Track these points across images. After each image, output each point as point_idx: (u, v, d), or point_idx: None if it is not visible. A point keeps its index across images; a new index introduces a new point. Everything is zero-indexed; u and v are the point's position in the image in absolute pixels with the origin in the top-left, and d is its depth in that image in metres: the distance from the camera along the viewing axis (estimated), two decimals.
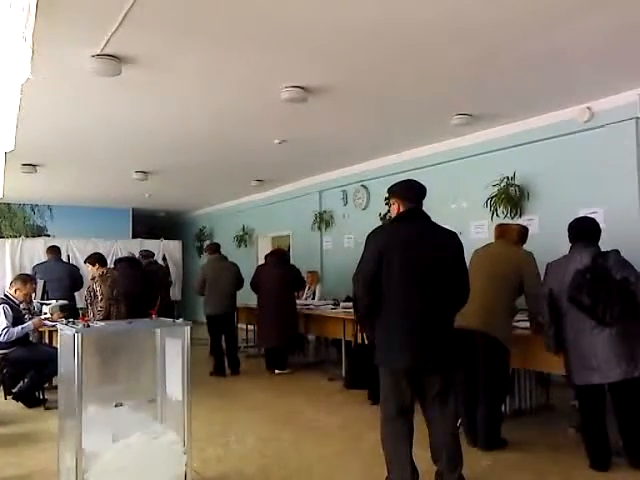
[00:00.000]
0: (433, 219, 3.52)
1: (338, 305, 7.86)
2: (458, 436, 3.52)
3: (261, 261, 9.41)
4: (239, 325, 8.85)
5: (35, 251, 10.53)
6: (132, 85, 5.08)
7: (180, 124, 6.50)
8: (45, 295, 7.81)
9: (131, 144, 7.43)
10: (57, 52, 4.26)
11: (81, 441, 3.22)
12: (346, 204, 9.65)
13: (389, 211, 8.33)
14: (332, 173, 9.75)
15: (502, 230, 4.82)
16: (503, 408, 4.72)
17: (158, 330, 3.90)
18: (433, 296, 3.31)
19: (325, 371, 7.69)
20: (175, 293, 11.43)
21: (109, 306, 5.79)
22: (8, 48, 2.11)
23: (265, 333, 7.71)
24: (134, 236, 13.45)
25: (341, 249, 9.70)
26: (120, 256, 9.46)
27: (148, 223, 15.06)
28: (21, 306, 6.35)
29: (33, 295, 7.05)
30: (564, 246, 4.21)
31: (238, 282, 7.92)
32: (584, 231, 4.15)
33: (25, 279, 6.54)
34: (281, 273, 7.73)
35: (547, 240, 5.51)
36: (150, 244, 11.50)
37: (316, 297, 9.07)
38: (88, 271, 6.36)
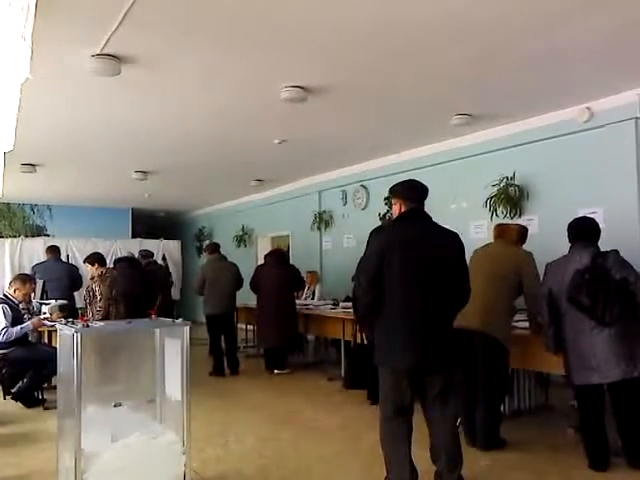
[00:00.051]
0: (433, 219, 3.52)
1: (337, 305, 7.86)
2: (458, 436, 3.51)
3: (261, 261, 9.41)
4: (238, 325, 8.85)
5: (34, 251, 10.52)
6: (132, 85, 5.08)
7: (180, 124, 6.49)
8: (44, 295, 7.81)
9: (131, 144, 7.43)
10: (57, 52, 4.26)
11: (80, 441, 3.22)
12: (346, 204, 9.65)
13: (389, 211, 8.44)
14: (332, 173, 9.75)
15: (501, 230, 4.81)
16: (502, 408, 4.73)
17: (157, 330, 3.90)
18: (434, 296, 3.31)
19: (324, 371, 7.69)
20: (174, 293, 11.42)
21: (108, 306, 5.78)
22: (7, 48, 2.10)
23: (264, 333, 7.71)
24: (134, 236, 13.44)
25: (340, 249, 9.70)
26: (119, 256, 9.46)
27: (148, 223, 15.06)
28: (20, 306, 6.35)
29: (32, 295, 7.04)
30: (563, 246, 4.21)
31: (237, 282, 7.91)
32: (584, 231, 4.15)
33: (24, 279, 6.53)
34: (280, 273, 7.73)
35: (546, 240, 5.51)
36: (149, 244, 11.49)
37: (315, 297, 9.07)
38: (87, 271, 6.35)
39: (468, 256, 3.70)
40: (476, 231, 7.05)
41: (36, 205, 13.09)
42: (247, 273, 8.06)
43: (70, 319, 4.04)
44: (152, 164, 8.86)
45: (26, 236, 11.78)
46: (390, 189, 3.62)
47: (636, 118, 5.51)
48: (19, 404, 5.96)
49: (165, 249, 12.30)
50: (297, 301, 8.14)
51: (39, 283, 7.70)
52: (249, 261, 11.37)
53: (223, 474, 4.07)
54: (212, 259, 8.11)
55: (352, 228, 9.40)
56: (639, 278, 3.85)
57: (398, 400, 3.35)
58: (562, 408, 5.30)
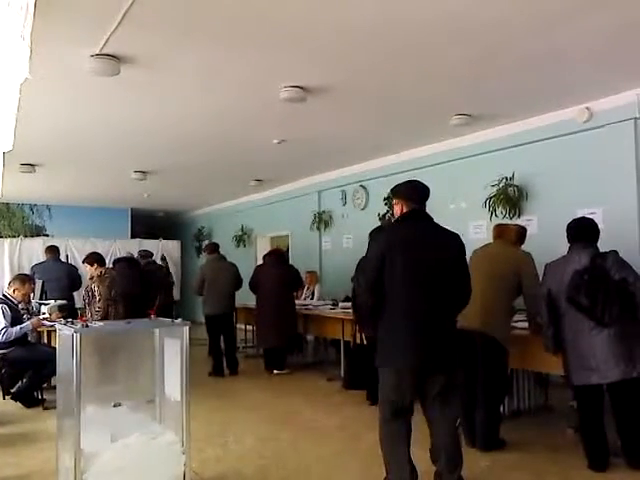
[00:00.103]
0: (433, 220, 3.52)
1: (337, 305, 7.86)
2: (458, 437, 3.52)
3: (260, 261, 9.40)
4: (238, 325, 8.85)
5: (34, 251, 10.53)
6: (131, 85, 5.08)
7: (179, 124, 6.49)
8: (44, 295, 7.79)
9: (130, 144, 7.42)
10: (56, 52, 4.26)
11: (80, 441, 3.22)
12: (345, 204, 9.65)
13: (388, 211, 8.44)
14: (331, 173, 9.75)
15: (500, 230, 4.82)
16: (502, 408, 4.73)
17: (157, 330, 3.90)
18: (436, 297, 3.31)
19: (324, 371, 7.69)
20: (174, 293, 11.42)
21: (107, 306, 5.77)
22: (6, 48, 2.10)
23: (264, 333, 7.70)
24: (133, 236, 13.45)
25: (340, 249, 9.70)
26: (119, 256, 9.46)
27: (147, 223, 15.06)
28: (20, 306, 6.34)
29: (32, 295, 7.05)
30: (563, 246, 4.21)
31: (237, 282, 7.91)
32: (583, 231, 4.15)
33: (24, 279, 6.53)
34: (280, 273, 7.72)
35: (546, 240, 5.51)
36: (149, 244, 11.49)
37: (315, 297, 9.07)
38: (86, 271, 6.35)
39: (468, 256, 3.70)
40: (475, 231, 7.05)
41: (35, 205, 13.08)
42: (246, 273, 8.06)
43: (69, 319, 4.03)
44: (151, 164, 8.85)
45: (25, 236, 11.78)
46: (392, 189, 3.63)
47: (635, 118, 5.51)
48: (19, 404, 5.96)
49: (164, 249, 12.30)
50: (296, 301, 8.14)
51: (38, 283, 7.69)
52: (248, 261, 11.37)
53: (222, 474, 4.07)
54: (211, 259, 8.11)
55: (351, 228, 9.40)
56: (638, 278, 3.85)
57: (399, 400, 3.35)
58: (561, 408, 5.30)
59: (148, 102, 5.69)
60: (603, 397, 4.02)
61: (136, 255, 9.13)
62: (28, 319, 6.27)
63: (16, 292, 6.30)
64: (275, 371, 7.64)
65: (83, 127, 6.54)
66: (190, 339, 3.64)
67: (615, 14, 3.83)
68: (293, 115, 6.11)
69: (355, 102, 5.80)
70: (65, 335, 3.45)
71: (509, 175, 6.66)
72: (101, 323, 4.19)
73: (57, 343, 3.79)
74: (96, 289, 5.85)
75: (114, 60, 4.40)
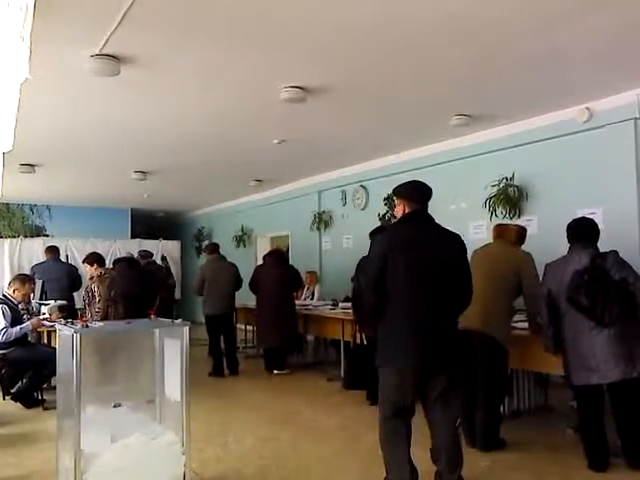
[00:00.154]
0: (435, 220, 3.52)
1: (337, 305, 7.86)
2: (459, 437, 3.52)
3: (260, 261, 9.40)
4: (238, 325, 8.84)
5: (34, 251, 10.52)
6: (131, 85, 5.07)
7: (179, 124, 6.49)
8: (44, 295, 7.79)
9: (130, 144, 7.42)
10: (56, 52, 4.25)
11: (80, 441, 3.21)
12: (345, 204, 9.65)
13: (388, 211, 8.44)
14: (331, 173, 9.75)
15: (500, 230, 4.82)
16: (502, 409, 4.73)
17: (157, 330, 3.90)
18: (437, 297, 3.32)
19: (324, 371, 7.68)
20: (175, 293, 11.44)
21: (107, 307, 5.77)
22: (6, 48, 2.10)
23: (264, 333, 7.70)
24: (133, 236, 13.45)
25: (340, 249, 9.70)
26: (119, 256, 9.45)
27: (147, 223, 15.06)
28: (20, 306, 6.34)
29: (32, 295, 7.04)
30: (563, 247, 4.21)
31: (237, 282, 7.90)
32: (583, 232, 4.15)
33: (24, 279, 6.53)
34: (280, 273, 7.72)
35: (546, 241, 5.51)
36: (149, 244, 11.48)
37: (315, 297, 9.06)
38: (86, 271, 6.35)
39: (468, 257, 3.70)
40: (475, 231, 7.04)
41: (35, 205, 13.08)
42: (246, 273, 8.06)
43: (69, 319, 4.03)
44: (151, 164, 8.85)
45: (25, 236, 11.78)
46: (394, 189, 3.63)
47: (635, 118, 5.51)
48: (19, 404, 5.95)
49: (164, 249, 12.29)
50: (296, 301, 8.14)
51: (38, 283, 7.68)
52: (248, 261, 11.37)
53: (222, 474, 4.06)
54: (211, 259, 8.11)
55: (351, 228, 9.40)
56: (638, 279, 3.85)
57: (400, 400, 3.35)
58: (562, 409, 5.30)
59: (148, 102, 5.69)
60: (603, 397, 4.01)
61: (136, 255, 9.13)
62: (28, 319, 6.27)
63: (16, 292, 6.30)
64: (275, 371, 7.64)
65: (83, 127, 6.54)
66: (190, 339, 3.63)
67: (615, 14, 3.83)
68: (293, 115, 6.11)
69: (355, 102, 5.80)
70: (65, 335, 3.45)
71: (509, 175, 6.66)
72: (101, 323, 4.19)
73: (57, 343, 3.79)
74: (96, 289, 5.85)
75: (114, 60, 4.40)
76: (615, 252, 3.97)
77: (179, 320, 3.77)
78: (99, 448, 3.39)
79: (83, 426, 3.24)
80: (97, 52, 4.27)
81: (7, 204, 12.75)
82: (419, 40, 4.23)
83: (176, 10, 3.68)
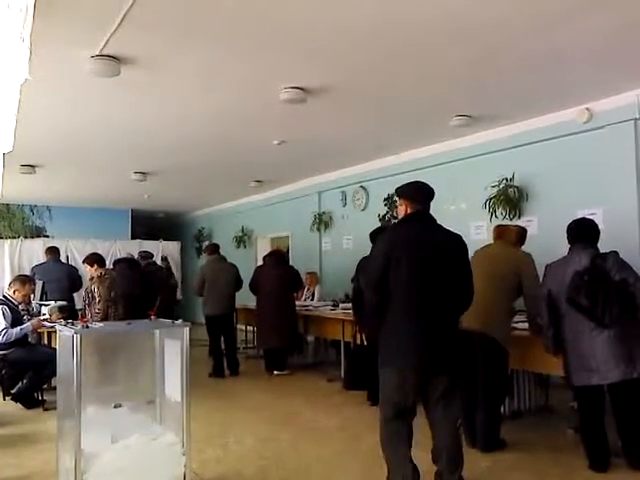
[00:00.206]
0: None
1: (337, 306, 7.86)
2: (459, 437, 3.52)
3: (260, 262, 9.39)
4: (238, 326, 8.85)
5: (34, 252, 10.51)
6: (131, 86, 5.07)
7: (179, 125, 6.49)
8: (44, 296, 7.79)
9: (130, 145, 7.42)
10: (56, 53, 4.25)
11: (80, 442, 3.22)
12: (345, 205, 9.65)
13: (388, 212, 8.45)
14: (331, 174, 9.75)
15: (501, 231, 4.82)
16: (502, 409, 4.72)
17: (157, 331, 3.90)
18: (439, 298, 3.32)
19: (324, 372, 7.68)
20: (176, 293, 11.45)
21: (107, 308, 5.76)
22: (6, 49, 2.10)
23: (264, 334, 7.70)
24: (133, 237, 13.45)
25: (340, 250, 9.70)
26: (119, 257, 9.45)
27: (147, 224, 15.06)
28: (20, 307, 6.35)
29: (32, 296, 7.05)
30: (563, 247, 4.21)
31: (237, 283, 7.91)
32: (583, 232, 4.15)
33: (24, 280, 6.53)
34: (280, 274, 7.72)
35: (546, 241, 5.51)
36: (149, 245, 11.46)
37: (315, 298, 9.06)
38: (87, 272, 6.35)
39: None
40: (476, 232, 7.04)
41: (35, 206, 13.09)
42: (247, 274, 8.06)
43: (70, 320, 4.03)
44: (151, 165, 8.85)
45: (25, 237, 11.76)
46: (396, 190, 3.63)
47: (636, 119, 5.50)
48: (19, 405, 5.96)
49: (164, 250, 12.28)
50: (297, 302, 8.14)
51: (38, 284, 7.69)
52: (249, 262, 11.37)
53: (223, 475, 4.06)
54: (211, 260, 8.11)
55: (352, 229, 9.40)
56: (638, 279, 3.85)
57: (401, 401, 3.34)
58: (562, 409, 5.30)
59: (148, 103, 5.69)
60: (604, 398, 4.01)
61: (136, 256, 9.13)
62: (28, 320, 6.28)
63: (16, 293, 6.31)
64: (275, 372, 7.64)
65: (83, 128, 6.54)
66: (190, 340, 3.64)
67: (615, 14, 3.83)
68: (293, 116, 6.11)
69: (355, 102, 5.80)
70: (65, 336, 3.45)
71: (509, 176, 6.66)
72: (101, 324, 4.19)
73: (57, 344, 3.79)
74: (96, 290, 5.85)
75: (114, 61, 4.40)
76: (615, 253, 3.96)
77: (179, 321, 3.77)
78: (99, 449, 3.39)
79: (83, 427, 3.24)
80: (97, 53, 4.27)
81: (7, 205, 12.75)
82: (419, 40, 4.23)
83: (176, 11, 3.68)
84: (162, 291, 8.46)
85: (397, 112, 6.17)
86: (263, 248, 11.76)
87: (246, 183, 10.57)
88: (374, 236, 5.34)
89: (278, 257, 8.10)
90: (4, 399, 6.20)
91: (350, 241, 9.48)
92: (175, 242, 12.84)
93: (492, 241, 4.82)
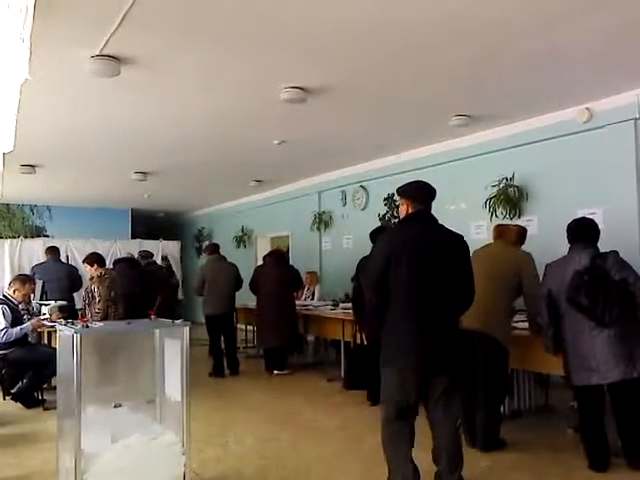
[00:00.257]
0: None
1: (337, 306, 7.86)
2: (459, 437, 3.52)
3: (260, 262, 9.40)
4: (238, 325, 8.85)
5: (34, 251, 10.50)
6: (131, 86, 5.07)
7: (179, 125, 6.49)
8: (44, 296, 7.79)
9: (130, 145, 7.42)
10: (56, 53, 4.25)
11: (80, 442, 3.22)
12: (345, 205, 9.65)
13: (388, 212, 8.45)
14: (331, 174, 9.75)
15: (501, 231, 4.82)
16: (502, 409, 4.72)
17: (157, 331, 3.90)
18: (440, 298, 3.32)
19: (324, 372, 7.68)
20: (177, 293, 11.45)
21: (107, 308, 5.76)
22: (6, 49, 2.10)
23: (264, 334, 7.70)
24: (133, 236, 13.44)
25: (340, 250, 9.70)
26: (119, 257, 9.45)
27: (147, 224, 15.05)
28: (20, 307, 6.34)
29: (32, 296, 7.05)
30: (563, 247, 4.21)
31: (237, 283, 7.91)
32: (583, 232, 4.15)
33: (24, 279, 6.53)
34: (280, 273, 7.73)
35: (546, 241, 5.51)
36: (149, 244, 11.45)
37: (315, 298, 9.07)
38: (87, 271, 6.35)
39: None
40: (476, 232, 7.04)
41: (35, 206, 13.09)
42: (247, 274, 8.06)
43: (70, 320, 4.03)
44: (151, 165, 8.85)
45: (25, 237, 11.76)
46: (398, 189, 3.62)
47: (636, 119, 5.50)
48: (19, 405, 5.96)
49: (164, 250, 12.28)
50: (297, 302, 8.14)
51: (38, 284, 7.69)
52: (249, 262, 11.37)
53: (223, 474, 4.07)
54: (211, 260, 8.11)
55: (352, 229, 9.41)
56: (638, 279, 3.85)
57: (403, 400, 3.34)
58: (562, 409, 5.30)
59: (148, 103, 5.69)
60: (604, 397, 4.01)
61: (136, 256, 9.13)
62: (28, 320, 6.28)
63: (16, 293, 6.31)
64: (275, 371, 7.64)
65: (83, 128, 6.54)
66: (190, 339, 3.64)
67: (615, 14, 3.83)
68: (293, 116, 6.11)
69: (355, 102, 5.80)
70: (65, 336, 3.45)
71: (509, 176, 6.66)
72: (101, 324, 4.19)
73: (57, 344, 3.79)
74: (96, 290, 5.85)
75: (114, 61, 4.40)
76: (615, 252, 3.97)
77: (179, 320, 3.77)
78: (99, 448, 3.39)
79: (83, 426, 3.24)
80: (97, 53, 4.27)
81: (7, 205, 12.75)
82: (419, 40, 4.23)
83: (176, 11, 3.68)
84: (163, 291, 8.47)
85: (397, 112, 6.17)
86: (263, 248, 11.76)
87: (246, 183, 10.57)
88: (374, 236, 5.34)
89: (278, 257, 8.10)
90: (4, 399, 6.20)
91: (350, 241, 9.48)
92: (175, 242, 12.83)
93: (492, 241, 4.82)
